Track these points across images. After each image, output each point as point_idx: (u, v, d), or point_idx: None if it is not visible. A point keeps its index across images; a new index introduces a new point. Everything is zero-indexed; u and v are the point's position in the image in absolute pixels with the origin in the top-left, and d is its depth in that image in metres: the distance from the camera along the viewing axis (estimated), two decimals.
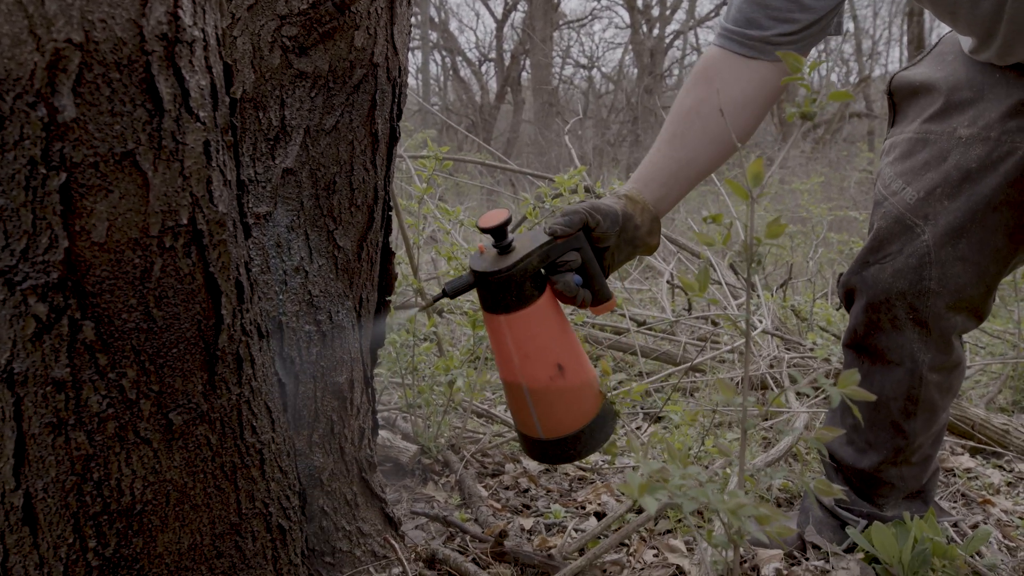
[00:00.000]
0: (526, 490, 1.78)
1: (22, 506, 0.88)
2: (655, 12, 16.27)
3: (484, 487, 1.76)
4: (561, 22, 17.29)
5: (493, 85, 17.19)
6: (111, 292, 0.83)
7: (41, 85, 0.75)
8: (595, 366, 1.16)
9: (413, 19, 1.24)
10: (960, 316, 1.29)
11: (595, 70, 18.70)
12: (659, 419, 2.28)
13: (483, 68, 17.91)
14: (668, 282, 3.62)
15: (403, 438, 1.92)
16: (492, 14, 18.28)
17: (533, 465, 1.91)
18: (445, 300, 1.11)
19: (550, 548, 1.40)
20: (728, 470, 1.65)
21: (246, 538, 1.01)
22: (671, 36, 16.73)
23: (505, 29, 16.86)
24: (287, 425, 1.11)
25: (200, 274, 0.89)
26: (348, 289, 1.20)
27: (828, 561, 1.36)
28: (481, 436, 2.08)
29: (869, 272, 1.31)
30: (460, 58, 17.57)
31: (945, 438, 2.08)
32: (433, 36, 16.75)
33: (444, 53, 17.35)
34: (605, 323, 3.16)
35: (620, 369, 2.87)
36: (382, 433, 1.85)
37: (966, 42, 1.27)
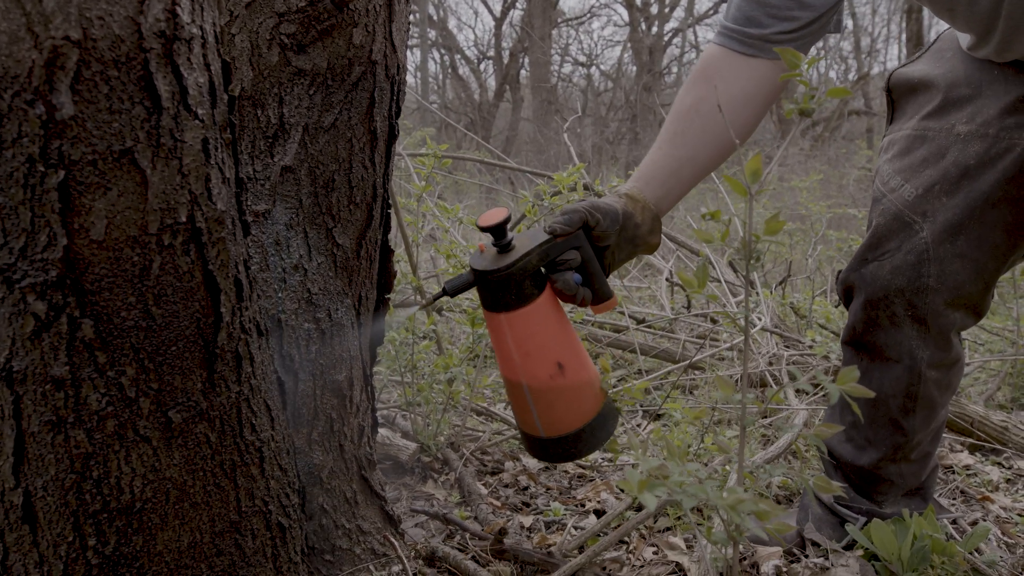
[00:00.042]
0: (526, 488, 1.78)
1: (22, 504, 0.88)
2: (654, 10, 16.26)
3: (484, 485, 1.76)
4: (560, 20, 17.29)
5: (492, 83, 17.19)
6: (110, 290, 0.83)
7: (39, 83, 0.75)
8: (595, 364, 1.16)
9: (411, 17, 1.24)
10: (959, 313, 1.29)
11: (594, 68, 18.69)
12: (658, 416, 2.28)
13: (482, 66, 17.91)
14: (667, 280, 3.62)
15: (402, 436, 1.92)
16: (491, 12, 18.26)
17: (532, 463, 1.92)
18: (444, 298, 1.11)
19: (550, 546, 1.40)
20: (727, 467, 1.65)
21: (246, 536, 1.01)
22: (670, 34, 16.74)
23: (504, 27, 16.85)
24: (286, 423, 1.11)
25: (199, 272, 0.89)
26: (347, 287, 1.20)
27: (827, 558, 1.36)
28: (480, 434, 2.08)
29: (868, 269, 1.31)
30: (459, 56, 17.56)
31: (944, 435, 2.08)
32: (432, 34, 16.74)
33: (443, 51, 17.35)
34: (604, 321, 3.16)
35: (619, 367, 2.88)
36: (381, 431, 1.85)
37: (964, 39, 1.27)
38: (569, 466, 1.91)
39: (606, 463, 1.94)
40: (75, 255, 0.80)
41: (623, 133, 14.56)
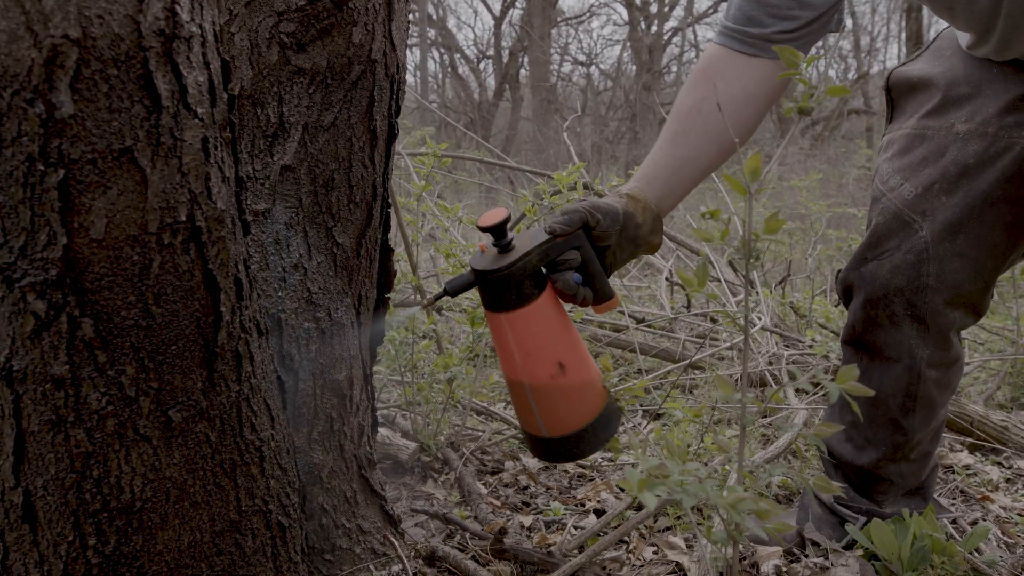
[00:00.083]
0: (525, 487, 1.78)
1: (22, 504, 0.88)
2: (653, 9, 16.27)
3: (483, 484, 1.76)
4: (559, 19, 17.29)
5: (491, 82, 17.19)
6: (110, 289, 0.83)
7: (39, 81, 0.75)
8: (596, 364, 1.16)
9: (411, 16, 1.24)
10: (958, 312, 1.29)
11: (593, 67, 18.69)
12: (658, 416, 2.28)
13: (481, 65, 17.91)
14: (667, 279, 3.62)
15: (402, 436, 1.92)
16: (490, 11, 18.27)
17: (532, 462, 1.92)
18: (444, 298, 1.11)
19: (550, 545, 1.40)
20: (727, 467, 1.65)
21: (246, 535, 1.01)
22: (669, 33, 16.74)
23: (503, 26, 16.85)
24: (286, 422, 1.11)
25: (199, 271, 0.89)
26: (347, 286, 1.20)
27: (827, 558, 1.36)
28: (480, 433, 2.08)
29: (867, 268, 1.31)
30: (458, 55, 17.56)
31: (944, 435, 2.08)
32: (431, 33, 16.74)
33: (442, 50, 17.34)
34: (604, 320, 3.16)
35: (619, 366, 2.88)
36: (381, 431, 1.85)
37: (964, 38, 1.27)
38: (569, 466, 1.91)
39: (606, 463, 1.94)
40: (75, 254, 0.80)
41: (623, 132, 14.56)
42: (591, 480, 1.82)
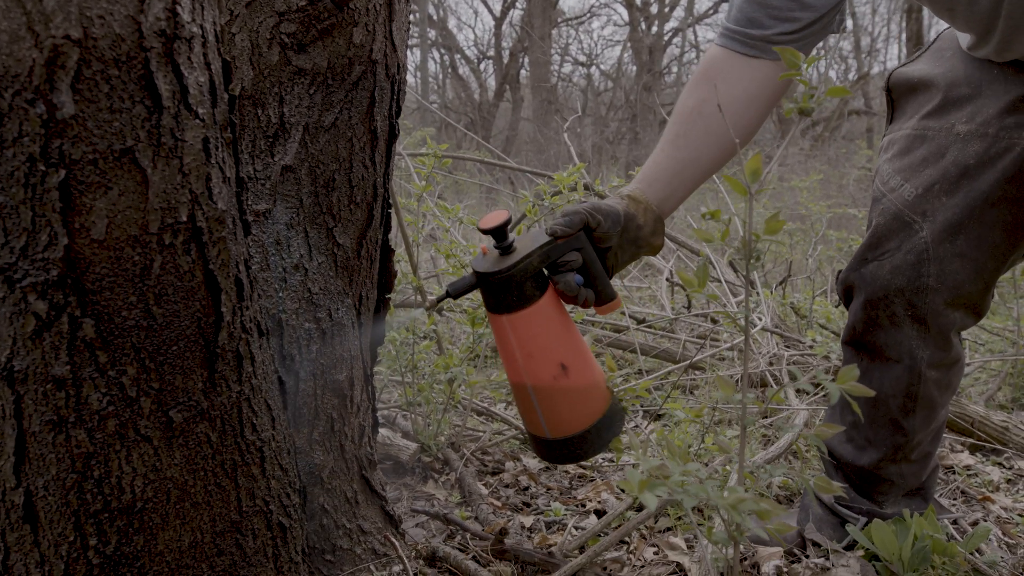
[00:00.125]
0: (526, 488, 1.78)
1: (23, 504, 0.88)
2: (654, 9, 16.27)
3: (484, 485, 1.76)
4: (560, 19, 17.29)
5: (492, 83, 17.19)
6: (111, 289, 0.83)
7: (40, 82, 0.75)
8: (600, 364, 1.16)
9: (411, 16, 1.24)
10: (958, 312, 1.29)
11: (594, 68, 18.70)
12: (659, 417, 2.28)
13: (482, 66, 17.91)
14: (667, 280, 3.62)
15: (403, 436, 1.92)
16: (491, 12, 18.27)
17: (533, 463, 1.92)
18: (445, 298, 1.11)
19: (550, 546, 1.40)
20: (728, 467, 1.65)
21: (247, 536, 1.01)
22: (670, 33, 16.74)
23: (504, 27, 16.86)
24: (287, 423, 1.11)
25: (200, 271, 0.89)
26: (348, 287, 1.20)
27: (828, 559, 1.36)
28: (481, 434, 2.08)
29: (868, 269, 1.31)
30: (459, 56, 17.57)
31: (944, 435, 2.08)
32: (432, 34, 16.75)
33: (443, 51, 17.35)
34: (605, 321, 3.16)
35: (620, 367, 2.88)
36: (382, 431, 1.85)
37: (964, 39, 1.27)
38: (570, 466, 1.91)
39: (607, 463, 1.94)
40: (76, 254, 0.80)
41: (623, 133, 14.56)
42: (592, 481, 1.82)
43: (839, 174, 8.09)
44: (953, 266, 1.25)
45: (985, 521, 1.61)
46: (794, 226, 4.71)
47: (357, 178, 1.16)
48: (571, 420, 1.10)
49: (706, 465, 1.70)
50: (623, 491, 1.69)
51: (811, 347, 2.67)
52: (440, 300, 1.10)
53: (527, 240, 1.08)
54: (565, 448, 1.11)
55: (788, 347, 2.75)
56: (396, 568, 1.24)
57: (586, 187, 2.96)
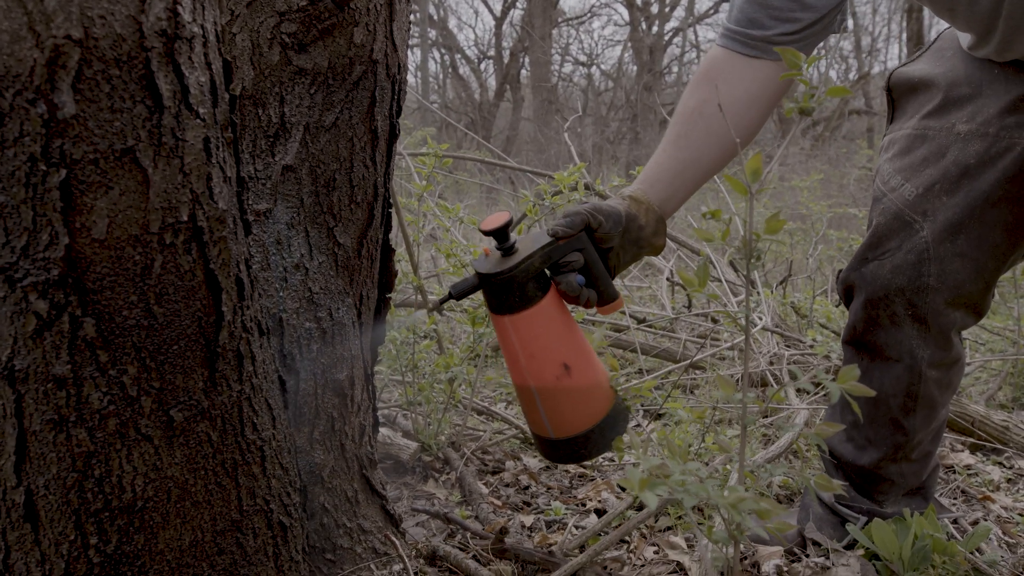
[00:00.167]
0: (526, 487, 1.78)
1: (23, 503, 0.88)
2: (654, 9, 16.26)
3: (484, 484, 1.76)
4: (560, 19, 17.29)
5: (492, 83, 17.19)
6: (112, 289, 0.83)
7: (41, 82, 0.75)
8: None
9: (412, 16, 1.24)
10: (959, 312, 1.29)
11: (594, 67, 18.70)
12: (659, 416, 2.28)
13: (482, 66, 17.91)
14: (668, 279, 3.62)
15: (403, 435, 1.92)
16: (491, 11, 18.26)
17: (533, 462, 1.92)
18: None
19: (551, 545, 1.40)
20: (728, 466, 1.66)
21: (247, 535, 1.01)
22: (670, 33, 16.74)
23: (504, 26, 16.86)
24: (288, 422, 1.11)
25: (200, 271, 0.89)
26: (348, 286, 1.20)
27: (828, 558, 1.36)
28: (481, 433, 2.08)
29: (868, 268, 1.31)
30: (459, 56, 17.57)
31: (945, 435, 2.08)
32: (432, 34, 16.75)
33: (443, 51, 17.35)
34: (605, 321, 3.16)
35: (620, 366, 2.88)
36: (383, 430, 1.85)
37: (965, 38, 1.27)
38: (570, 465, 1.91)
39: (607, 462, 1.94)
40: (77, 254, 0.80)
41: (624, 133, 14.56)
42: (592, 480, 1.82)
43: (840, 174, 8.09)
44: (954, 266, 1.25)
45: (985, 520, 1.61)
46: (795, 226, 4.71)
47: (358, 178, 1.16)
48: (574, 420, 1.10)
49: (706, 464, 1.70)
50: (623, 490, 1.69)
51: (811, 347, 2.67)
52: (443, 301, 1.11)
53: (529, 241, 1.09)
54: (569, 448, 1.12)
55: (788, 347, 2.75)
56: (396, 567, 1.24)
57: (587, 187, 2.96)
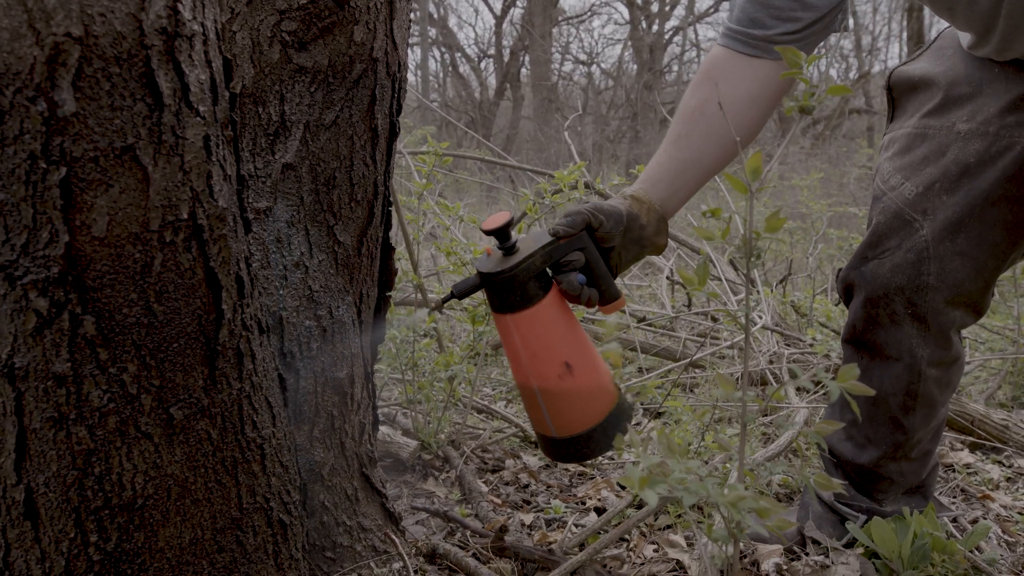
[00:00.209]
0: (526, 486, 1.78)
1: (23, 501, 0.88)
2: (654, 8, 16.26)
3: (484, 483, 1.76)
4: (560, 18, 17.28)
5: (492, 81, 17.19)
6: (112, 287, 0.83)
7: (41, 79, 0.75)
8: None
9: (412, 15, 1.24)
10: (958, 311, 1.29)
11: (594, 66, 18.70)
12: (659, 415, 2.28)
13: (482, 64, 17.91)
14: (668, 278, 3.62)
15: (403, 434, 1.92)
16: (491, 10, 18.25)
17: (533, 460, 1.92)
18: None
19: (550, 543, 1.40)
20: (728, 465, 1.66)
21: (247, 533, 1.01)
22: (670, 32, 16.73)
23: (504, 25, 16.85)
24: (288, 420, 1.11)
25: (200, 269, 0.89)
26: (348, 284, 1.20)
27: (828, 556, 1.36)
28: (481, 432, 2.08)
29: (868, 267, 1.31)
30: (459, 54, 17.56)
31: (944, 434, 2.08)
32: (432, 32, 16.74)
33: (443, 49, 17.34)
34: (605, 319, 3.16)
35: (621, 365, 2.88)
36: (382, 429, 1.85)
37: (965, 38, 1.27)
38: (570, 464, 1.92)
39: (607, 461, 1.94)
40: (77, 252, 0.80)
41: (624, 131, 14.56)
42: (592, 478, 1.83)
43: (840, 172, 8.09)
44: (953, 264, 1.25)
45: (985, 519, 1.61)
46: (795, 224, 4.71)
47: (358, 176, 1.16)
48: (577, 419, 1.10)
49: (706, 463, 1.70)
50: (623, 488, 1.69)
51: (811, 345, 2.67)
52: (445, 300, 1.11)
53: (530, 240, 1.09)
54: (572, 447, 1.12)
55: (788, 345, 2.75)
56: (396, 565, 1.24)
57: (587, 185, 2.96)
